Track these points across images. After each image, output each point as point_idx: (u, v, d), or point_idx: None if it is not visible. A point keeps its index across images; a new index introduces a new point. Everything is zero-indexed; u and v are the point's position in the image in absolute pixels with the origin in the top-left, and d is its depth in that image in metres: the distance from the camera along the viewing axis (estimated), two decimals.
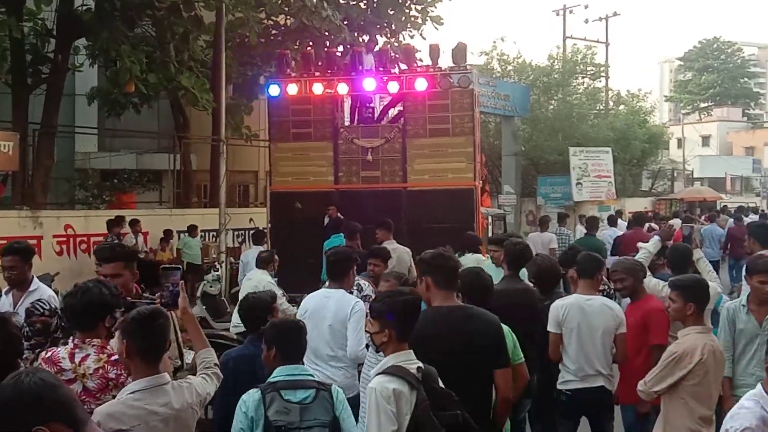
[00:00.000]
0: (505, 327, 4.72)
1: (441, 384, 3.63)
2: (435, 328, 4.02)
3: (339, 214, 12.11)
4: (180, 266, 4.03)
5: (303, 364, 3.92)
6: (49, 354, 3.67)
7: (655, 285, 6.01)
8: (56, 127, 16.96)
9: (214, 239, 17.05)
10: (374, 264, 7.39)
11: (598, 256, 5.92)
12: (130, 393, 2.89)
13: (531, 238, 16.04)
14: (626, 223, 16.39)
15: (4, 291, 5.74)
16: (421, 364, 3.57)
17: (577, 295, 5.62)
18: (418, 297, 3.81)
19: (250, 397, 3.70)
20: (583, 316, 5.39)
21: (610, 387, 5.48)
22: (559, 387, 5.54)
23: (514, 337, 4.74)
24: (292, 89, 12.77)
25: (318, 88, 12.65)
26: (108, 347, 3.74)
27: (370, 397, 3.42)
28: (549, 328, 5.47)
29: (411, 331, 3.67)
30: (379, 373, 3.49)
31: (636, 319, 5.52)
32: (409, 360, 3.55)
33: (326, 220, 12.35)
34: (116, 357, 3.91)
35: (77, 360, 3.60)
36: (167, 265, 4.29)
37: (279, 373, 3.79)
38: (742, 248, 11.79)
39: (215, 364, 3.71)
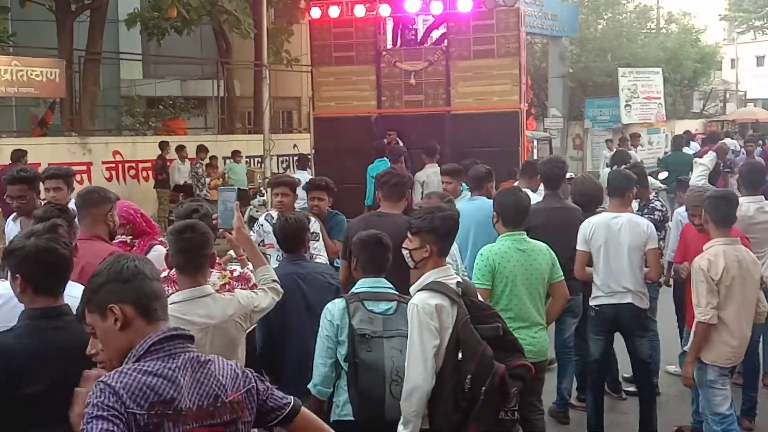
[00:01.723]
0: (543, 245, 4.74)
1: (480, 298, 3.68)
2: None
3: (398, 140, 11.92)
4: (236, 187, 4.01)
5: (384, 277, 3.95)
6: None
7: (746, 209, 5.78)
8: (101, 53, 17.03)
9: (259, 165, 17.17)
10: (447, 182, 7.22)
11: (630, 174, 5.79)
12: (172, 303, 2.96)
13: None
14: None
15: (11, 218, 5.61)
16: (460, 279, 3.61)
17: (605, 213, 5.57)
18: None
19: (335, 306, 3.81)
20: (610, 234, 5.33)
21: (641, 304, 5.39)
22: (590, 303, 5.53)
23: (553, 254, 4.71)
24: (334, 12, 12.58)
25: (360, 10, 12.44)
26: (224, 266, 3.87)
27: (412, 312, 3.46)
28: (577, 246, 5.44)
29: (450, 246, 3.73)
30: (420, 289, 3.53)
31: None
32: (448, 275, 3.58)
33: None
34: (238, 272, 4.02)
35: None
36: (223, 186, 4.28)
37: (361, 285, 3.89)
38: None
39: (273, 280, 3.75)
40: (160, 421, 1.98)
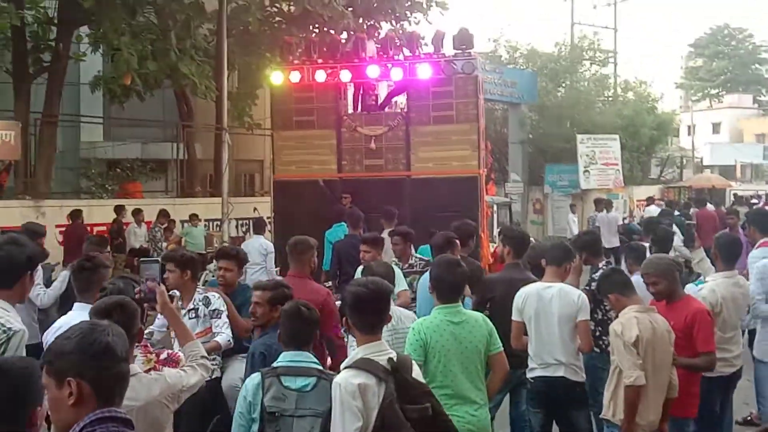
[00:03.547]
0: (479, 315, 4.63)
1: (417, 373, 3.54)
2: None
3: (351, 204, 11.90)
4: (158, 260, 3.88)
5: (309, 351, 3.85)
6: None
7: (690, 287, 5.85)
8: (58, 116, 16.88)
9: (217, 228, 16.96)
10: (395, 242, 7.43)
11: (569, 247, 5.75)
12: None
13: (599, 218, 18.21)
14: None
15: None
16: (393, 355, 3.45)
17: (539, 282, 5.49)
18: (377, 289, 3.58)
19: (251, 381, 3.72)
20: (541, 303, 5.26)
21: (574, 378, 5.25)
22: (527, 375, 5.41)
23: (490, 325, 4.55)
24: (295, 77, 12.63)
25: (321, 76, 12.50)
26: (150, 347, 3.71)
27: (335, 392, 3.34)
28: (512, 317, 5.36)
29: (373, 323, 3.54)
30: (347, 367, 3.41)
31: (677, 324, 4.99)
32: (380, 351, 3.44)
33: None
34: (165, 355, 3.83)
35: None
36: (146, 258, 4.16)
37: (283, 359, 3.79)
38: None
39: (202, 357, 3.62)
40: None
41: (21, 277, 3.75)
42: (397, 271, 6.38)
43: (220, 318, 5.34)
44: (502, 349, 4.58)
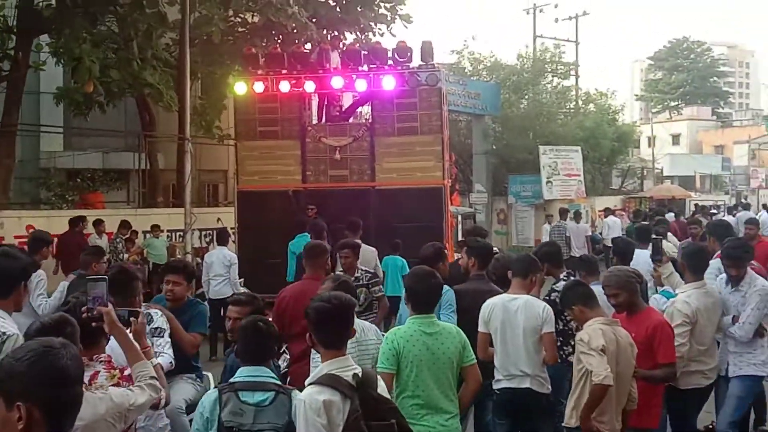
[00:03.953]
0: (453, 327, 4.64)
1: (382, 388, 3.53)
2: None
3: (315, 215, 11.87)
4: (105, 277, 3.81)
5: (266, 365, 3.84)
6: None
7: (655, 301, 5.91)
8: (17, 125, 16.60)
9: (180, 239, 16.78)
10: (344, 255, 7.41)
11: (534, 259, 5.82)
12: None
13: (569, 227, 18.74)
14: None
15: None
16: (358, 370, 3.44)
17: (505, 294, 5.53)
18: (340, 304, 3.55)
19: (208, 397, 3.69)
20: (506, 315, 5.30)
21: (540, 389, 5.29)
22: (492, 386, 5.43)
23: (464, 337, 4.57)
24: (259, 87, 12.57)
25: (285, 86, 12.46)
26: (114, 362, 3.66)
27: (299, 409, 3.33)
28: (479, 328, 5.38)
29: (337, 338, 3.51)
30: (311, 383, 3.38)
31: (638, 335, 5.01)
32: (345, 367, 3.42)
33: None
34: (128, 372, 3.76)
35: (86, 379, 3.44)
36: (92, 276, 4.09)
37: (240, 374, 3.76)
38: None
39: (151, 377, 3.57)
40: None
41: (16, 287, 4.05)
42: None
43: (162, 337, 5.09)
44: (476, 361, 4.60)
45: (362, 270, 7.55)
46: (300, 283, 6.41)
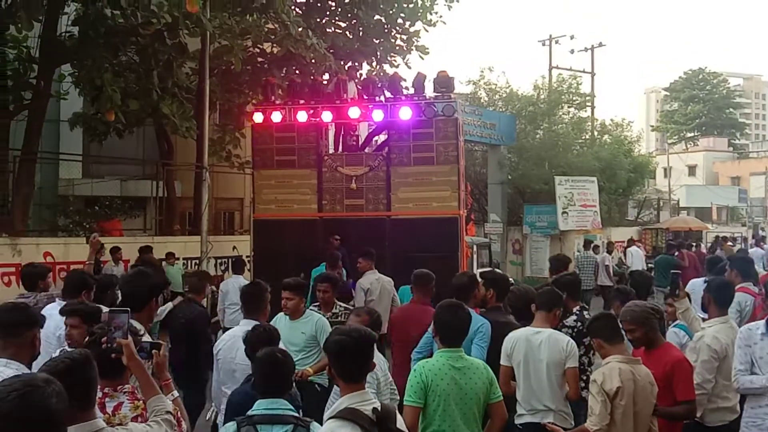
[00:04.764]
0: (481, 363, 4.61)
1: (401, 423, 3.51)
2: None
3: (338, 245, 11.88)
4: (128, 310, 3.76)
5: (284, 397, 3.80)
6: None
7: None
8: (37, 153, 16.77)
9: (196, 267, 16.82)
10: (323, 290, 7.22)
11: (559, 293, 5.70)
12: None
13: (598, 258, 18.63)
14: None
15: None
16: (378, 404, 3.43)
17: (528, 327, 5.48)
18: (360, 337, 3.51)
19: (226, 430, 3.67)
20: (530, 349, 5.27)
21: (564, 424, 5.21)
22: (515, 421, 5.36)
23: (491, 373, 4.57)
24: (277, 117, 12.72)
25: (302, 116, 12.60)
26: (138, 394, 3.63)
27: None
28: (501, 361, 5.35)
29: (357, 371, 3.48)
30: (331, 417, 3.37)
31: (657, 372, 4.88)
32: (364, 401, 3.41)
33: None
34: None
35: (109, 409, 3.49)
36: (114, 308, 4.01)
37: (258, 407, 3.72)
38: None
39: (167, 412, 3.54)
40: None
41: (148, 303, 4.65)
42: (324, 321, 6.42)
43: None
44: (502, 398, 4.58)
45: (340, 306, 7.35)
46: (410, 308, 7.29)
